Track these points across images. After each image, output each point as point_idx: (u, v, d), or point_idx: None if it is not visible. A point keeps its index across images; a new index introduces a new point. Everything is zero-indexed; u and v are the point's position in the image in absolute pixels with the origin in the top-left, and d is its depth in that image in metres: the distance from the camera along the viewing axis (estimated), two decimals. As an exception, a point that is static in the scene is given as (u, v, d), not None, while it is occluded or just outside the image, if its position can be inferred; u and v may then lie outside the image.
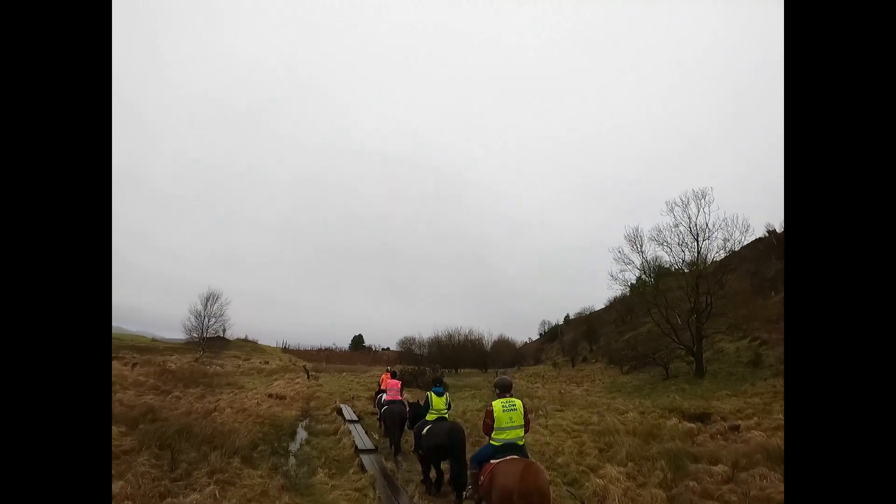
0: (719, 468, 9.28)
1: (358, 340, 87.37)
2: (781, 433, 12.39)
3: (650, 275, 36.07)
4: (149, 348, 48.88)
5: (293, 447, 12.62)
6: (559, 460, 10.72)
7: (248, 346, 66.06)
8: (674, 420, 16.09)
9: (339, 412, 17.79)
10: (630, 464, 10.24)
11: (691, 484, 8.58)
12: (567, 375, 46.17)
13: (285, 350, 72.76)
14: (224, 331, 59.88)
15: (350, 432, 13.53)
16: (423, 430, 8.95)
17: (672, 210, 33.16)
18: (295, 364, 50.47)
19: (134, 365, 30.03)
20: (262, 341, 72.42)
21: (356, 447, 11.46)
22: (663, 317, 32.80)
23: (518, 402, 6.51)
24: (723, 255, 32.72)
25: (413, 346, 63.29)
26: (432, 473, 9.02)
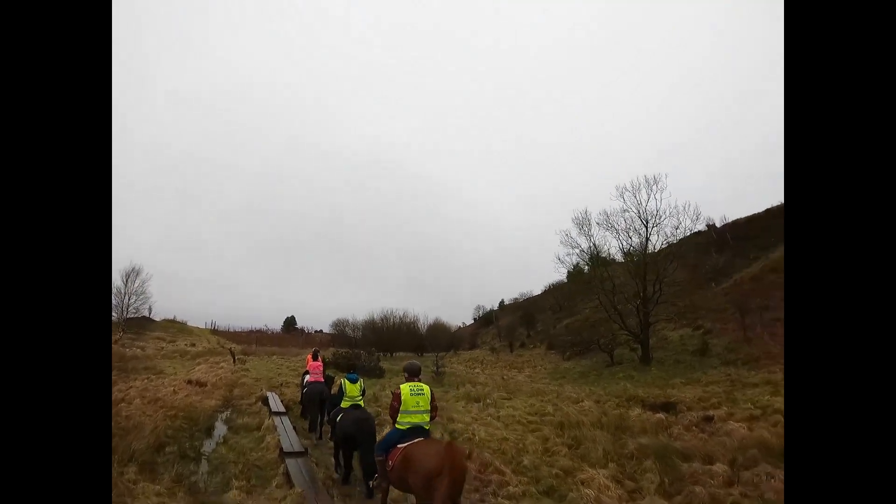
0: (718, 468, 8.12)
1: (290, 322, 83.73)
2: (764, 425, 11.43)
3: (596, 259, 34.87)
4: None
5: (207, 447, 10.53)
6: (525, 461, 9.07)
7: (174, 327, 61.82)
8: (637, 410, 14.95)
9: (265, 402, 15.78)
10: (611, 464, 8.80)
11: (697, 489, 7.22)
12: (506, 360, 45.00)
13: (214, 332, 68.37)
14: (150, 310, 56.95)
15: (276, 428, 11.52)
16: (336, 417, 8.88)
17: (622, 195, 32.47)
18: (223, 347, 47.05)
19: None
20: (193, 323, 68.40)
21: (281, 449, 9.41)
22: (610, 302, 31.87)
23: (426, 388, 6.50)
24: (673, 242, 32.22)
25: (346, 329, 61.17)
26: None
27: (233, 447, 10.13)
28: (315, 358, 13.68)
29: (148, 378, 20.30)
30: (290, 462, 8.60)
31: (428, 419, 6.36)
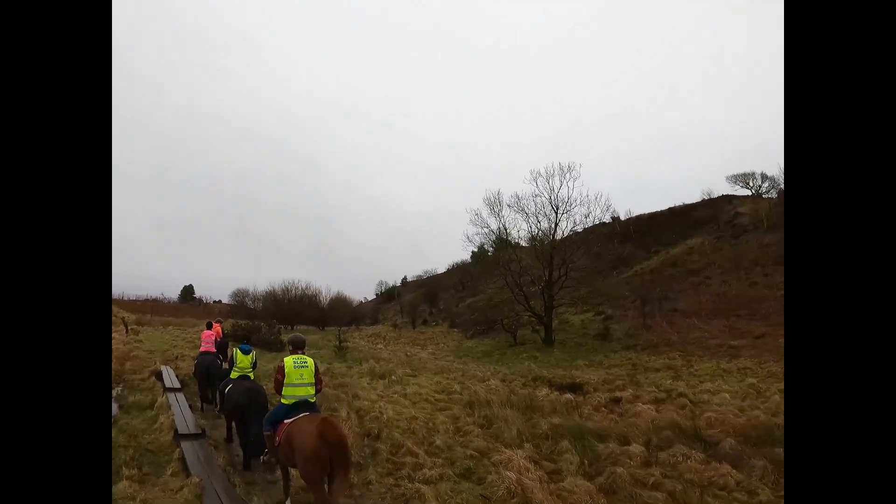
0: (635, 448, 8.03)
1: (188, 291, 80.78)
2: (672, 408, 11.82)
3: (505, 240, 34.95)
4: None
5: None
6: (437, 441, 8.63)
7: None
8: (544, 390, 14.85)
9: (159, 377, 14.51)
10: (527, 445, 8.50)
11: (618, 471, 7.00)
12: (409, 337, 44.67)
13: None
14: None
15: (170, 406, 10.55)
16: (225, 388, 8.75)
17: (535, 179, 32.73)
18: (116, 316, 44.38)
19: None
20: None
21: (176, 430, 8.51)
22: (516, 284, 31.99)
23: (310, 360, 6.41)
24: (580, 230, 32.65)
25: (247, 299, 59.29)
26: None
27: (123, 429, 9.09)
28: (209, 327, 13.26)
29: None
30: (185, 445, 7.76)
31: (313, 391, 6.32)
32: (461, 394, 13.72)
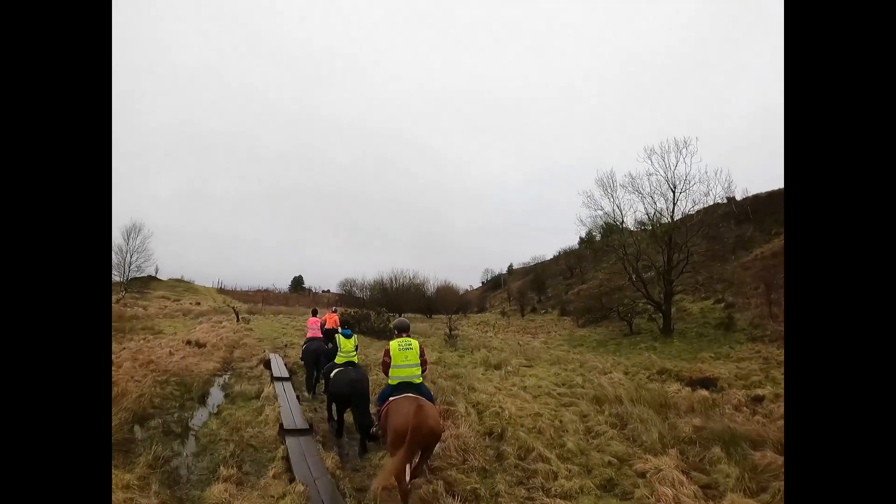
0: None
1: (298, 281, 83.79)
2: None
3: (620, 223, 33.10)
4: None
5: (197, 421, 9.19)
6: (569, 444, 7.76)
7: (181, 286, 61.79)
8: (675, 385, 13.70)
9: (268, 365, 14.39)
10: (671, 450, 7.47)
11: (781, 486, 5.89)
12: (518, 325, 43.83)
13: (221, 291, 68.48)
14: (156, 270, 57.54)
15: (276, 397, 10.24)
16: (330, 373, 8.87)
17: (650, 157, 30.51)
18: (229, 306, 45.86)
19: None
20: (200, 282, 68.43)
21: (281, 425, 8.15)
22: (633, 269, 30.30)
23: (414, 343, 6.71)
24: (701, 209, 30.41)
25: (354, 289, 60.21)
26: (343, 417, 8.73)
27: (226, 421, 8.82)
28: (314, 314, 13.62)
29: (145, 338, 18.88)
30: (290, 442, 7.29)
31: (418, 372, 6.56)
32: (583, 387, 12.81)
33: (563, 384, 13.44)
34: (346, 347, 9.05)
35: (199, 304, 45.43)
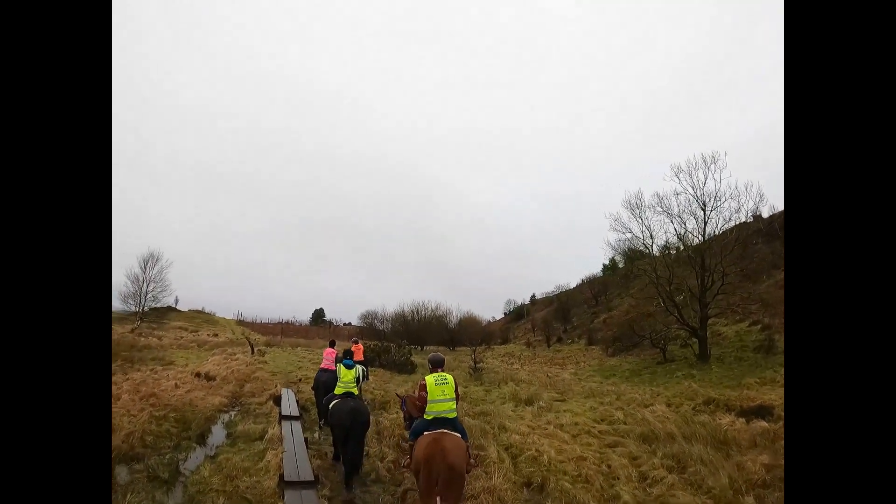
0: None
1: (318, 314, 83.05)
2: None
3: (650, 245, 31.58)
4: None
5: (191, 464, 8.15)
6: (624, 496, 6.55)
7: (199, 318, 61.60)
8: (727, 416, 12.29)
9: (278, 401, 13.35)
10: (747, 497, 6.26)
11: None
12: (544, 356, 42.29)
13: (240, 322, 67.99)
14: (176, 301, 58.54)
15: (282, 440, 9.15)
16: (330, 403, 8.88)
17: (677, 175, 28.86)
18: (246, 337, 45.43)
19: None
20: (221, 314, 68.47)
21: (282, 476, 7.03)
22: (666, 293, 28.77)
23: (450, 377, 6.58)
24: (732, 227, 28.83)
25: (375, 321, 59.23)
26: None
27: (221, 466, 7.71)
28: (331, 346, 13.51)
29: (152, 370, 18.07)
30: (290, 498, 6.24)
31: (453, 406, 6.47)
32: (626, 423, 11.47)
33: (603, 420, 12.09)
34: (346, 378, 9.03)
35: (216, 335, 45.01)
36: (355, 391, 9.04)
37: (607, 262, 72.73)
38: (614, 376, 27.16)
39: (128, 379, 14.93)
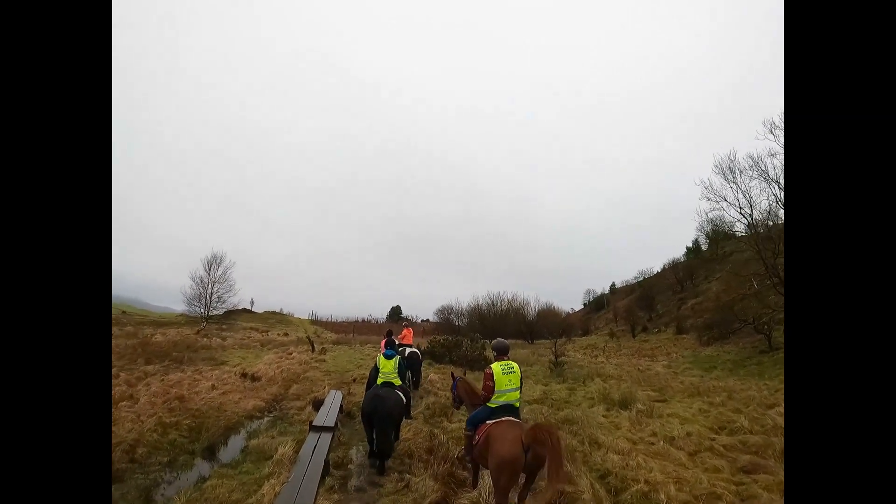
0: None
1: (396, 311, 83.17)
2: None
3: (749, 213, 27.79)
4: (172, 322, 44.85)
5: (175, 488, 6.53)
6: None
7: (274, 318, 63.03)
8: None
9: (318, 405, 11.31)
10: None
11: None
12: (630, 347, 39.37)
13: (314, 322, 69.27)
14: (252, 303, 60.88)
15: (294, 463, 6.97)
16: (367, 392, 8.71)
17: (772, 131, 24.64)
18: (318, 336, 44.65)
19: (103, 336, 25.15)
20: (300, 314, 70.27)
21: None
22: (772, 267, 25.19)
23: (516, 366, 6.17)
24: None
25: (452, 316, 57.30)
26: None
27: (206, 496, 5.96)
28: (388, 336, 12.23)
29: (197, 370, 16.84)
30: None
31: (518, 396, 6.08)
32: (753, 431, 8.86)
33: (722, 428, 9.39)
34: (386, 368, 8.67)
35: (286, 334, 44.61)
36: (396, 381, 8.62)
37: (690, 245, 69.39)
38: (715, 368, 23.99)
39: (162, 380, 14.00)
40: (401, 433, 8.70)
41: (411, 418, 10.09)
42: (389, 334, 12.52)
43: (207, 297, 44.14)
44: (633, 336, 46.40)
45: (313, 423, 8.99)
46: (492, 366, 6.11)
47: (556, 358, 21.42)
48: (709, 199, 28.72)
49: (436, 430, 9.00)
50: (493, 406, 5.96)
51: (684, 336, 37.69)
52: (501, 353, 6.32)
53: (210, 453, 8.31)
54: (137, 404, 10.58)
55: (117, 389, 12.14)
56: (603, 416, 10.57)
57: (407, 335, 16.26)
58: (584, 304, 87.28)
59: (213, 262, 45.33)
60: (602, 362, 27.85)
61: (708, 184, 28.75)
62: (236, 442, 9.17)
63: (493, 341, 6.69)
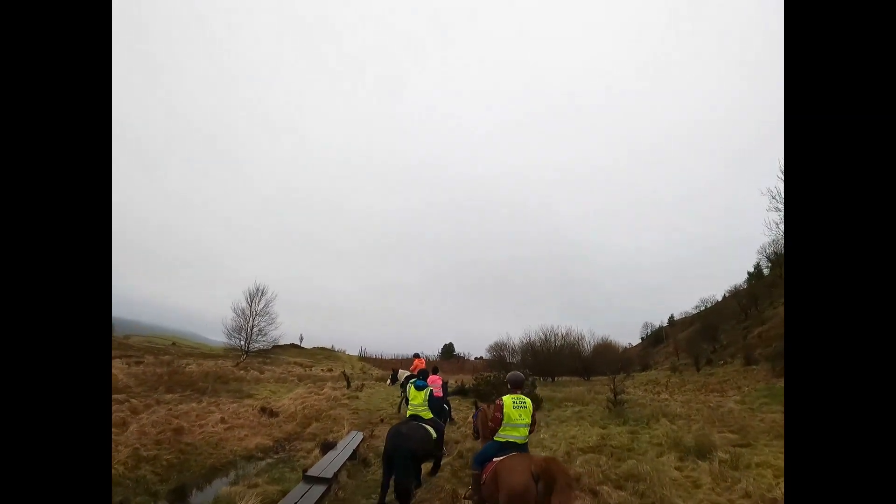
0: None
1: (449, 348, 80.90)
2: None
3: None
4: (218, 355, 44.18)
5: None
6: None
7: (322, 354, 63.05)
8: None
9: (326, 448, 9.74)
10: None
11: None
12: (695, 381, 36.42)
13: (362, 358, 67.98)
14: (301, 339, 61.89)
15: None
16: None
17: None
18: (364, 372, 43.91)
19: (138, 363, 26.31)
20: (351, 351, 70.26)
21: None
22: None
23: (528, 400, 6.09)
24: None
25: (504, 352, 55.17)
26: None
27: None
28: (434, 372, 12.78)
29: (215, 401, 15.88)
30: None
31: (527, 433, 5.97)
32: None
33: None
34: (416, 400, 8.34)
35: (330, 370, 43.50)
36: (426, 415, 8.24)
37: (752, 270, 66.58)
38: (796, 405, 21.39)
39: (170, 410, 13.20)
40: (418, 488, 7.68)
41: (443, 453, 9.11)
42: (435, 371, 12.69)
43: (248, 329, 43.71)
44: (698, 369, 43.34)
45: (306, 473, 7.60)
46: (503, 398, 6.02)
47: (614, 396, 19.12)
48: (777, 210, 26.33)
49: (461, 490, 7.17)
50: (501, 441, 5.85)
51: (754, 367, 34.84)
52: (515, 387, 6.26)
53: (177, 497, 7.29)
54: (126, 432, 9.96)
55: (117, 416, 11.36)
56: (676, 467, 8.44)
57: (420, 366, 15.88)
58: (642, 338, 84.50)
59: (255, 295, 45.15)
60: (666, 399, 25.17)
61: (776, 192, 26.41)
62: (216, 486, 7.99)
63: (509, 374, 6.60)
